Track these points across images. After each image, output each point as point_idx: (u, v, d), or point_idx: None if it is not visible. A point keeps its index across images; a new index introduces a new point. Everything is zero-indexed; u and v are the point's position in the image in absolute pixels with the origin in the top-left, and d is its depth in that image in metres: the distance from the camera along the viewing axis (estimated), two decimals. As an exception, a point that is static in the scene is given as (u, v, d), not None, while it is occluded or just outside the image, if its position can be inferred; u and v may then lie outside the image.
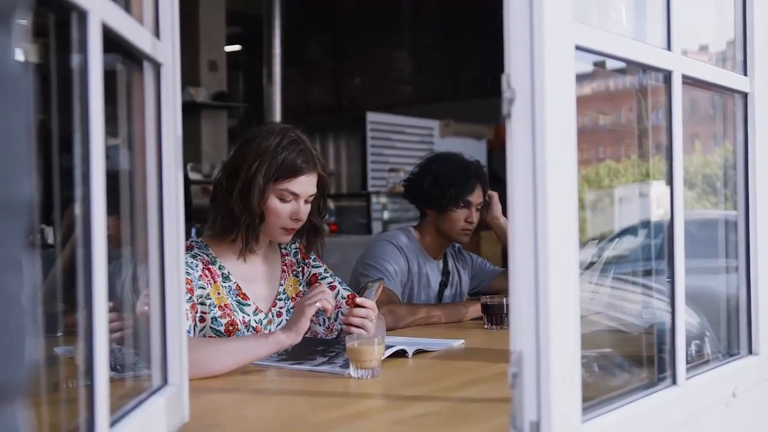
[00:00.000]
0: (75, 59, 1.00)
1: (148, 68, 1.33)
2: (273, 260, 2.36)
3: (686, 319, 1.56)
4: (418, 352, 2.17)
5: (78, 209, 1.00)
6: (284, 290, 2.34)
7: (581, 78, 1.28)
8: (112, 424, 1.07)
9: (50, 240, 2.84)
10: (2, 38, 0.54)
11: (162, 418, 1.29)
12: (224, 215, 2.20)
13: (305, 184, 2.20)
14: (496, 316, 2.64)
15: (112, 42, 1.10)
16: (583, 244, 1.27)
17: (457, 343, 2.33)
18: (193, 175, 7.08)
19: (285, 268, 2.37)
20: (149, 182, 1.34)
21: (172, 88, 1.37)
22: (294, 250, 2.42)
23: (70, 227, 1.46)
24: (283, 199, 2.19)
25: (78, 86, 0.99)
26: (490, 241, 6.56)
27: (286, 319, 2.28)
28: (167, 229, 1.36)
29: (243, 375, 1.92)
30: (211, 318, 2.15)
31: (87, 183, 0.99)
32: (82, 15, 0.98)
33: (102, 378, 1.00)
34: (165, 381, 1.36)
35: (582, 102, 1.27)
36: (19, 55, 0.57)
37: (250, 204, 2.15)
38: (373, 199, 7.51)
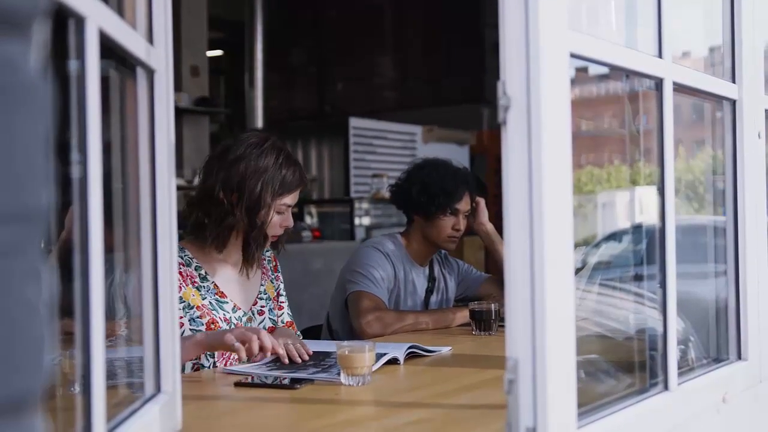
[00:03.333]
0: (72, 65, 0.99)
1: (141, 74, 1.32)
2: None
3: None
4: (410, 356, 2.18)
5: (75, 215, 0.99)
6: (265, 290, 2.44)
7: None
8: (108, 432, 1.06)
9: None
10: (21, 48, 0.54)
11: (156, 427, 1.28)
12: (227, 230, 2.27)
13: (297, 196, 2.36)
14: (485, 322, 2.64)
15: (107, 48, 1.09)
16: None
17: (446, 350, 2.34)
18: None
19: (264, 270, 2.48)
20: (142, 188, 1.34)
21: (165, 95, 1.36)
22: (267, 258, 2.52)
23: (61, 232, 1.45)
24: (279, 212, 2.31)
25: (75, 92, 0.98)
26: (473, 247, 6.57)
27: (269, 318, 2.42)
28: (160, 235, 1.35)
29: (235, 383, 1.91)
30: (190, 319, 2.21)
31: (84, 188, 0.98)
32: (80, 21, 0.97)
33: (99, 386, 0.99)
34: (158, 389, 1.35)
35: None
36: (38, 65, 0.57)
37: (257, 220, 2.26)
38: (356, 204, 7.49)
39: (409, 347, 2.19)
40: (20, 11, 0.55)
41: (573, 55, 1.26)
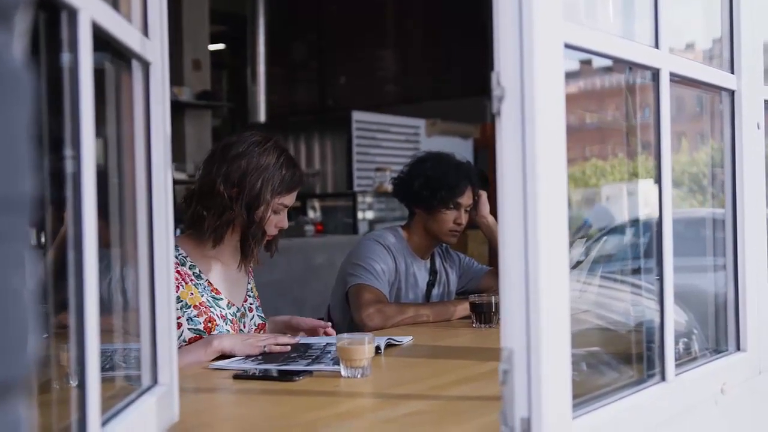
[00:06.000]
0: (64, 58, 0.99)
1: (136, 67, 1.32)
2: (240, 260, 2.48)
3: (674, 317, 1.57)
4: (389, 346, 2.23)
5: (68, 210, 0.99)
6: (251, 288, 2.48)
7: (567, 76, 1.28)
8: (104, 423, 1.07)
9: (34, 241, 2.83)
10: (4, 37, 0.54)
11: (152, 418, 1.29)
12: (225, 224, 2.28)
13: (294, 197, 2.38)
14: (485, 314, 2.64)
15: (101, 40, 1.09)
16: (570, 243, 1.28)
17: (406, 340, 2.37)
18: (176, 175, 7.04)
19: (250, 270, 2.50)
20: (138, 182, 1.34)
21: (161, 87, 1.36)
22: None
23: (59, 227, 1.45)
24: (276, 212, 2.33)
25: (68, 85, 0.98)
26: (477, 240, 6.57)
27: (258, 315, 2.45)
28: (157, 230, 1.36)
29: (233, 376, 1.92)
30: (187, 319, 2.22)
31: (78, 183, 0.98)
32: (72, 13, 0.97)
33: (93, 378, 1.00)
34: (155, 381, 1.36)
35: (568, 100, 1.27)
36: (21, 54, 0.57)
37: (255, 216, 2.28)
38: (359, 198, 7.49)
39: (387, 339, 2.25)
40: (3, 1, 0.55)
41: (568, 46, 1.25)
